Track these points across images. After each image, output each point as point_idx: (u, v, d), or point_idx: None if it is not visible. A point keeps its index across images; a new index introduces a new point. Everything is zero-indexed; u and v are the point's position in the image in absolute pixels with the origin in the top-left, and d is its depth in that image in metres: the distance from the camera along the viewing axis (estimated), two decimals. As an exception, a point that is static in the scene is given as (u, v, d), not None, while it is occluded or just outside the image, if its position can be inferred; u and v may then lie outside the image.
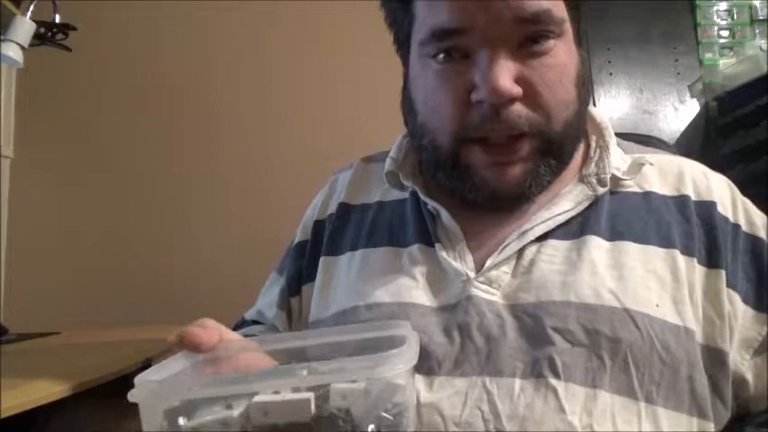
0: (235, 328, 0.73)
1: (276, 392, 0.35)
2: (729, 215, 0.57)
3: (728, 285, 0.53)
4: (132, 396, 0.35)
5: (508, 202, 0.57)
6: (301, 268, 0.68)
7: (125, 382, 0.82)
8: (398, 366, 0.34)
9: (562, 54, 0.53)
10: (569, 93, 0.54)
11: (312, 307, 0.63)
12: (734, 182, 0.61)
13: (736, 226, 0.57)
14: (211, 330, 0.45)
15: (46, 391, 0.67)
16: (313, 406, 0.34)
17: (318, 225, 0.69)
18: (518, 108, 0.52)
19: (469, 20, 0.51)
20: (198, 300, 1.48)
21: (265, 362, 0.47)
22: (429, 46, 0.54)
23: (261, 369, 0.43)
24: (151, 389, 0.36)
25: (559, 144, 0.54)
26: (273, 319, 0.68)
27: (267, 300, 0.70)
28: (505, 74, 0.50)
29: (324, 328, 0.58)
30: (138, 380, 0.37)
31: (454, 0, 0.51)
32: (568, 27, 0.54)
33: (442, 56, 0.53)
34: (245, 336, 0.68)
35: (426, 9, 0.54)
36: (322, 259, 0.64)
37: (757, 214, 0.58)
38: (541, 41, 0.52)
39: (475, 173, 0.55)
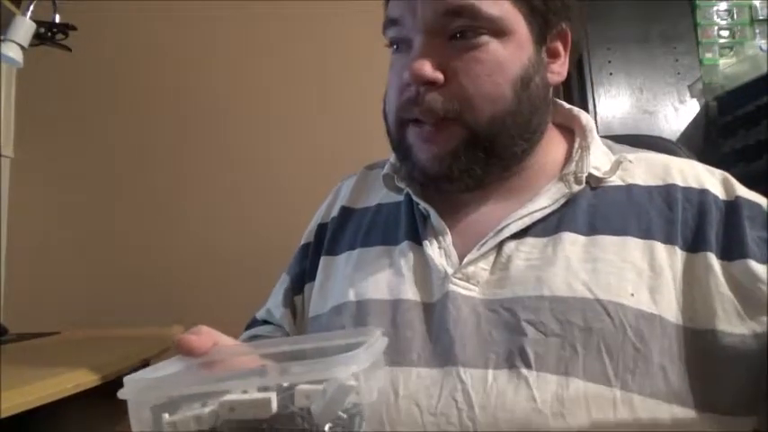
0: (247, 327, 0.77)
1: (245, 392, 0.37)
2: (724, 196, 0.56)
3: (746, 255, 0.51)
4: (122, 394, 0.38)
5: (440, 184, 0.59)
6: (305, 269, 0.71)
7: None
8: (351, 368, 0.36)
9: (500, 52, 0.55)
10: (498, 89, 0.55)
11: (312, 303, 0.66)
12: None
13: (734, 199, 0.56)
14: (205, 336, 0.48)
15: (46, 391, 0.67)
16: (275, 404, 0.36)
17: (321, 228, 0.72)
18: (434, 95, 0.55)
19: (404, 12, 0.57)
20: (197, 300, 1.48)
21: (257, 364, 0.49)
22: (385, 36, 0.61)
23: (236, 371, 0.47)
24: (139, 386, 0.39)
25: (487, 138, 0.56)
26: (281, 318, 0.71)
27: (275, 300, 0.73)
28: (425, 59, 0.54)
29: (311, 333, 0.63)
30: (127, 379, 0.39)
31: None
32: (514, 28, 0.56)
33: (394, 47, 0.60)
34: (255, 335, 0.72)
35: (386, 6, 0.61)
36: (322, 258, 0.68)
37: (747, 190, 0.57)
38: (471, 36, 0.55)
39: (413, 152, 0.59)
